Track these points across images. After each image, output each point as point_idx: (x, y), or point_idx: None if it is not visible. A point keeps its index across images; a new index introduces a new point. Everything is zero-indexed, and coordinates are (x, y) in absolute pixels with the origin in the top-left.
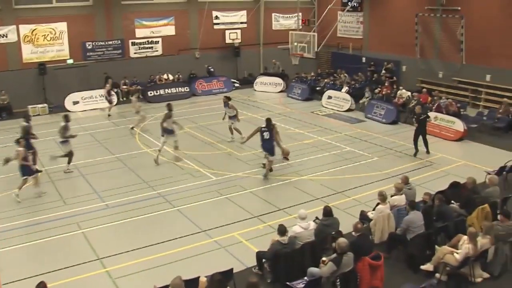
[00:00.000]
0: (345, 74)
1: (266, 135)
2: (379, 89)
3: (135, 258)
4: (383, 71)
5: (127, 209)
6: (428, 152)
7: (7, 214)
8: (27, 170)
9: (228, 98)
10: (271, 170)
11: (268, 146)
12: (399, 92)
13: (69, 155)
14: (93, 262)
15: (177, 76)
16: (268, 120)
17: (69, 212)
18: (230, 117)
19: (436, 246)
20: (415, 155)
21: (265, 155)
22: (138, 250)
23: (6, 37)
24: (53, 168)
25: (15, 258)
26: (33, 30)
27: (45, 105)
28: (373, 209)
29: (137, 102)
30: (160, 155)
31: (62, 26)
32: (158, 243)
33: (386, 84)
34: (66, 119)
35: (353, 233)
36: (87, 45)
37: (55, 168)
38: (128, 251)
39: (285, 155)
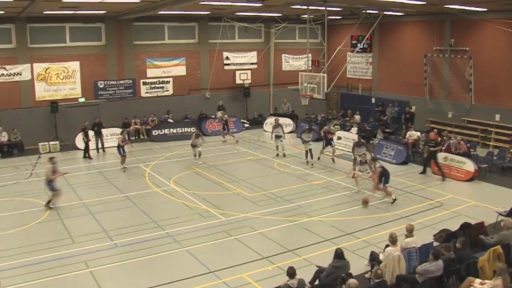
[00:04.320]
0: (358, 115)
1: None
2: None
3: None
4: (406, 114)
5: (136, 248)
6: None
7: (15, 251)
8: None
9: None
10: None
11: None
12: (408, 132)
13: None
14: None
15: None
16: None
17: (77, 250)
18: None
19: None
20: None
21: None
22: None
23: (21, 75)
24: (62, 206)
25: None
26: (46, 69)
27: (57, 142)
28: (384, 250)
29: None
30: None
31: (75, 65)
32: (167, 283)
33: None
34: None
35: (373, 278)
36: (99, 84)
37: (64, 206)
38: None
39: None
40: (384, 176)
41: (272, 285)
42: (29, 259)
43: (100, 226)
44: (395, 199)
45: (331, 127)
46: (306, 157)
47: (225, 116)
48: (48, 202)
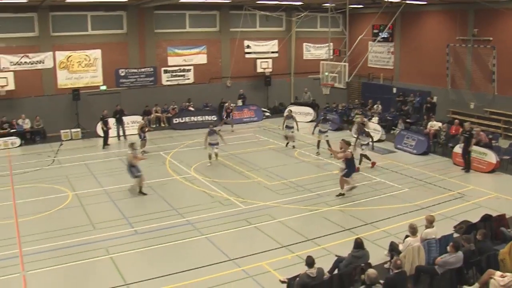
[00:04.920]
0: (379, 105)
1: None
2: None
3: (162, 284)
4: (428, 104)
5: (156, 235)
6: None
7: (38, 237)
8: None
9: (214, 126)
10: None
11: None
12: (430, 123)
13: None
14: None
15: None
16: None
17: (98, 236)
18: (212, 144)
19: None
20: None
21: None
22: (165, 277)
23: (43, 63)
24: (84, 193)
25: (44, 281)
26: (68, 57)
27: (78, 130)
28: (403, 241)
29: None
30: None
31: (96, 53)
32: (186, 271)
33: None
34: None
35: (392, 268)
36: (120, 72)
37: (86, 193)
38: (155, 278)
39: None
40: (349, 165)
41: (291, 273)
42: (51, 245)
43: (120, 213)
44: (343, 194)
45: (364, 120)
46: (318, 147)
47: (232, 105)
48: (140, 189)
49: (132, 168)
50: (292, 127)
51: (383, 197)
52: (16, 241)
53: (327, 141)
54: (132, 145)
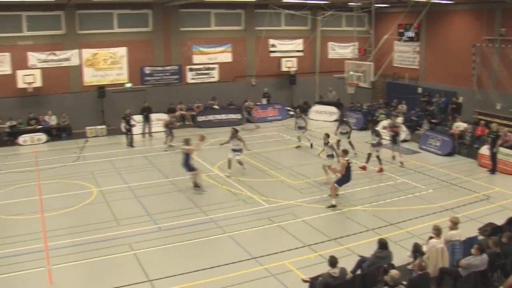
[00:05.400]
0: (404, 105)
1: None
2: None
3: (185, 281)
4: (453, 105)
5: (179, 232)
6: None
7: (63, 232)
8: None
9: (236, 130)
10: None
11: None
12: (455, 123)
13: None
14: (143, 284)
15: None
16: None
17: (122, 233)
18: (234, 150)
19: None
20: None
21: None
22: (188, 274)
23: (69, 60)
24: (108, 189)
25: (68, 276)
26: (94, 54)
27: (104, 127)
28: (427, 242)
29: None
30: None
31: (122, 51)
32: (209, 268)
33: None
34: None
35: (415, 269)
36: (145, 70)
37: (110, 189)
38: (178, 275)
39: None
40: (346, 173)
41: (314, 273)
42: (76, 240)
43: (144, 209)
44: (335, 205)
45: (396, 121)
46: (338, 148)
47: (251, 104)
48: (196, 184)
49: (188, 163)
50: (303, 127)
51: (407, 198)
52: (41, 235)
53: (350, 142)
54: (186, 141)
